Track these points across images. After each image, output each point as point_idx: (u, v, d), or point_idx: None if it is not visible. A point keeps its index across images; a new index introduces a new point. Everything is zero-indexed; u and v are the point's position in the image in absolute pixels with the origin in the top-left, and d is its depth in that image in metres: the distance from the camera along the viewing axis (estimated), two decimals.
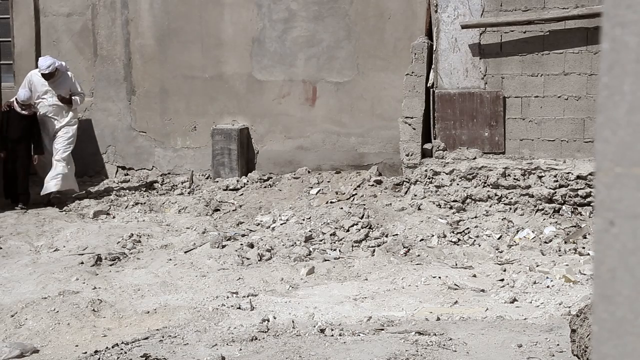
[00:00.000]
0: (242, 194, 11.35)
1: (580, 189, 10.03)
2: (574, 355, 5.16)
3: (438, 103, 10.62)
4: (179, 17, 12.20)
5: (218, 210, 10.97)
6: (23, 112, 11.35)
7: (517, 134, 10.50)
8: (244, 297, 7.83)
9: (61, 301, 7.63)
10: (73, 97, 11.68)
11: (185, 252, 9.37)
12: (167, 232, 10.18)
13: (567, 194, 10.03)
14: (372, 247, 9.42)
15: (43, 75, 11.46)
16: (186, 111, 12.34)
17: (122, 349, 6.49)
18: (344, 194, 11.01)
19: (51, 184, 11.37)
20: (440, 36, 10.54)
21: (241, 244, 9.49)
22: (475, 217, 10.07)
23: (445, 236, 9.56)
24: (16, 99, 11.39)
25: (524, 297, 7.58)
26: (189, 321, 7.24)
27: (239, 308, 7.52)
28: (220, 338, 6.68)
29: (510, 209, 10.14)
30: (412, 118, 10.68)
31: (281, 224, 10.15)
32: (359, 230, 9.78)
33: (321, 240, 9.61)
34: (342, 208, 10.34)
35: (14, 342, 6.90)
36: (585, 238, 9.40)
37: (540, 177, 10.14)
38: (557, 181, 10.07)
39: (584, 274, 8.13)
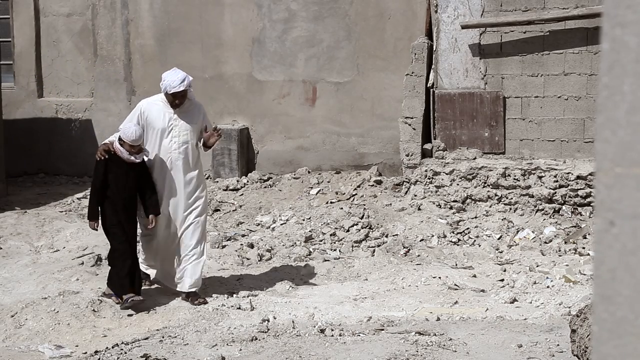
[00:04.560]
0: (242, 194, 11.35)
1: (580, 189, 10.03)
2: (574, 355, 5.16)
3: (438, 103, 10.62)
4: (179, 17, 12.20)
5: (218, 210, 10.96)
6: (132, 158, 7.52)
7: (517, 134, 10.50)
8: (244, 297, 7.83)
9: (61, 301, 7.63)
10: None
11: None
12: None
13: (567, 194, 10.04)
14: (372, 247, 9.42)
15: (174, 96, 7.64)
16: None
17: (122, 349, 6.49)
18: (344, 194, 11.00)
19: (187, 278, 7.78)
20: (440, 36, 10.54)
21: (241, 244, 9.49)
22: (475, 217, 10.07)
23: (445, 236, 9.57)
24: (120, 139, 7.52)
25: (524, 297, 7.58)
26: (189, 321, 7.25)
27: (239, 308, 7.52)
28: (220, 338, 6.68)
29: (510, 209, 10.14)
30: (412, 118, 10.68)
31: (281, 224, 10.15)
32: (359, 230, 9.78)
33: (321, 241, 9.61)
34: (342, 208, 10.34)
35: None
36: (585, 238, 9.40)
37: (540, 177, 10.14)
38: (557, 181, 10.07)
39: (584, 274, 8.13)
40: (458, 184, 10.34)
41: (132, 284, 7.57)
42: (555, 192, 10.05)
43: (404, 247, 9.31)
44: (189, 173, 7.78)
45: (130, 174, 7.55)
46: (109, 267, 7.73)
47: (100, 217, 7.66)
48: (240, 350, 6.37)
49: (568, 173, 10.06)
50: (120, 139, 7.49)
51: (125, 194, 7.58)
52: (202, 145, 7.92)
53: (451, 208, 10.21)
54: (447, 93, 10.58)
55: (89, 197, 7.86)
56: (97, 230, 7.67)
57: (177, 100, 7.65)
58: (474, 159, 10.52)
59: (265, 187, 11.53)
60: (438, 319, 7.04)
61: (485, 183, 10.29)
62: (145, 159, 7.66)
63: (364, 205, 10.48)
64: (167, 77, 7.63)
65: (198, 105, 7.99)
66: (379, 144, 11.65)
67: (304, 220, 10.14)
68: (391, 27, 11.54)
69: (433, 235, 9.58)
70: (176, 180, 7.73)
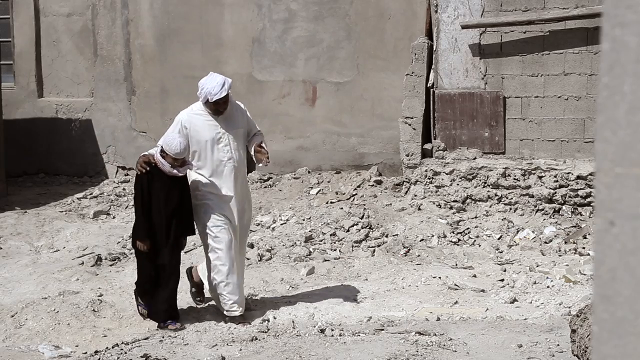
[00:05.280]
0: None
1: (581, 189, 10.03)
2: (574, 355, 5.16)
3: (438, 103, 10.61)
4: (179, 17, 12.20)
5: None
6: (175, 172, 6.90)
7: (517, 134, 10.50)
8: (245, 297, 7.82)
9: (61, 301, 7.63)
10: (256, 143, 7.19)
11: (185, 253, 9.35)
12: None
13: (567, 194, 10.04)
14: (372, 247, 9.42)
15: (216, 103, 6.96)
16: None
17: (122, 349, 6.49)
18: (344, 194, 11.00)
19: (236, 300, 7.18)
20: (440, 36, 10.54)
21: None
22: (475, 217, 10.07)
23: (445, 236, 9.56)
24: (162, 150, 6.91)
25: (524, 297, 7.58)
26: (189, 321, 7.25)
27: None
28: (221, 338, 6.68)
29: (510, 209, 10.14)
30: (412, 118, 10.68)
31: (281, 224, 10.15)
32: (359, 230, 9.78)
33: (321, 241, 9.61)
34: (342, 208, 10.34)
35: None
36: (585, 238, 9.40)
37: (540, 177, 10.14)
38: (557, 181, 10.07)
39: (584, 274, 8.13)
40: (458, 184, 10.34)
41: (172, 309, 7.17)
42: (555, 192, 10.05)
43: (404, 247, 9.31)
44: (245, 183, 7.28)
45: (173, 189, 6.92)
46: (141, 292, 7.28)
47: (133, 237, 7.16)
48: (240, 350, 6.37)
49: (568, 173, 10.06)
50: (162, 151, 6.87)
51: (170, 211, 6.94)
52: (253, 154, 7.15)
53: (451, 208, 10.21)
54: (447, 93, 10.58)
55: (136, 216, 7.13)
56: (147, 251, 6.99)
57: (220, 107, 6.97)
58: (474, 159, 10.52)
59: (265, 187, 11.53)
60: (438, 319, 7.04)
61: (485, 183, 10.29)
62: (189, 172, 7.03)
63: (364, 205, 10.48)
64: (206, 84, 6.91)
65: (238, 106, 7.23)
66: (379, 144, 11.66)
67: (304, 220, 10.14)
68: (391, 27, 11.54)
69: (433, 235, 9.57)
70: (234, 193, 7.09)
